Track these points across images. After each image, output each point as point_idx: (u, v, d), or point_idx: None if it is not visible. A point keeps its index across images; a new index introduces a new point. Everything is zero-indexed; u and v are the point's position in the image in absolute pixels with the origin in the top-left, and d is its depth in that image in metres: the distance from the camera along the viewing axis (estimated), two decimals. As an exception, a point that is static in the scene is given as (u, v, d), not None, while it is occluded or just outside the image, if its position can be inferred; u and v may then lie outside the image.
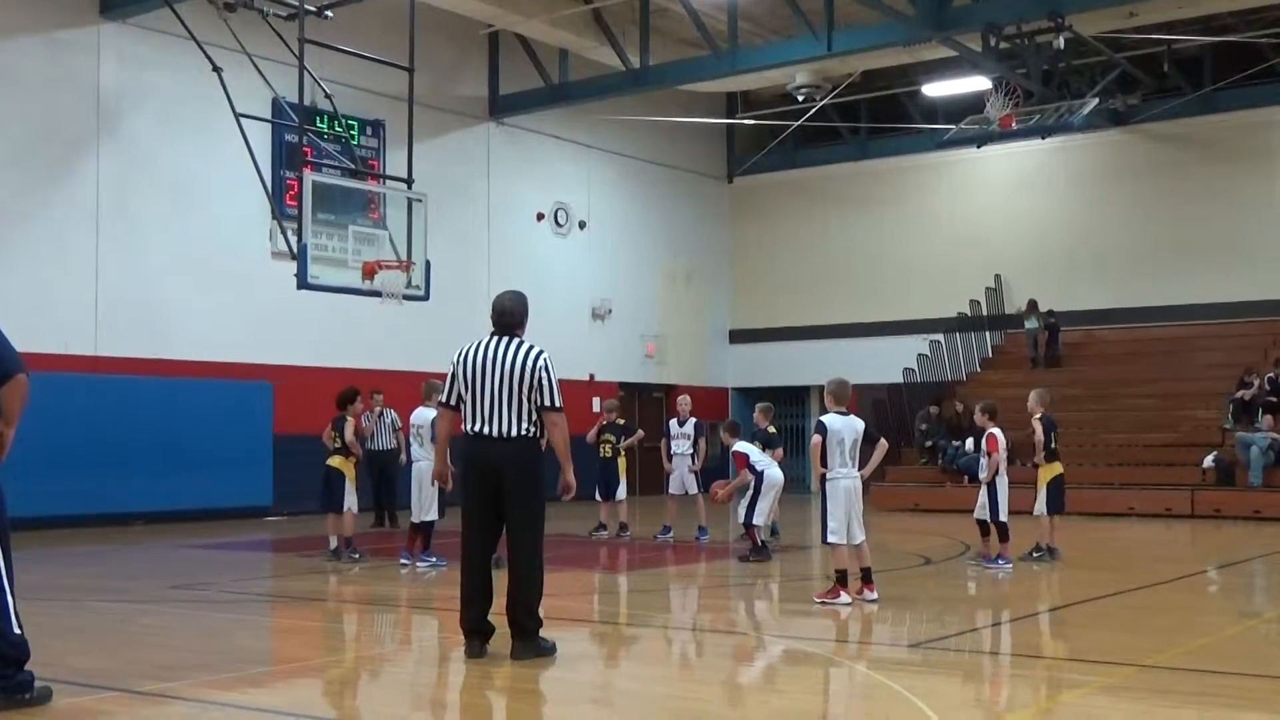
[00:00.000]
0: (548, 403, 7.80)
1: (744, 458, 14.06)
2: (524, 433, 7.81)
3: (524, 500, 7.85)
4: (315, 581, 12.79)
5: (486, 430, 7.81)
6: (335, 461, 13.92)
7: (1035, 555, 13.48)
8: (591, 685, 7.35)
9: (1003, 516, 13.05)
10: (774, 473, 14.11)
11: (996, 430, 13.18)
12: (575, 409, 24.10)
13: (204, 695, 6.95)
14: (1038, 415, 13.51)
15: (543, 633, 7.88)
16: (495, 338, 7.99)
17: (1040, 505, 13.52)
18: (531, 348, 7.90)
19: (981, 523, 13.29)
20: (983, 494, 13.19)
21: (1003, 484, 13.12)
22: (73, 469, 18.00)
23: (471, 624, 7.88)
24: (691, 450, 16.58)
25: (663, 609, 11.18)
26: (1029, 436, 13.63)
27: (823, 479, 10.50)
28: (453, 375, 7.98)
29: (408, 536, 13.66)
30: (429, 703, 7.36)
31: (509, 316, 8.09)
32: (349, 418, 13.94)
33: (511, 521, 7.88)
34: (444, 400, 8.14)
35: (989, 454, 13.14)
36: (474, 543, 7.95)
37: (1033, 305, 26.66)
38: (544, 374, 7.81)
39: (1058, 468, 13.63)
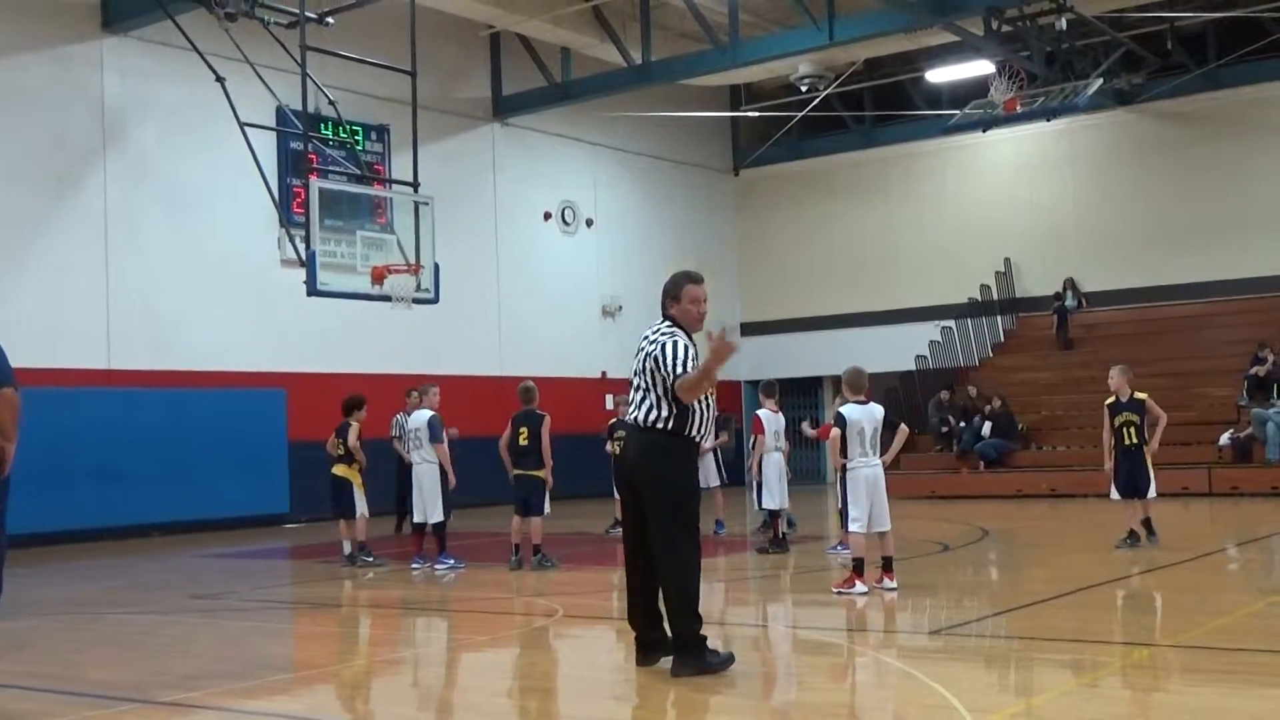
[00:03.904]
0: (668, 373, 7.03)
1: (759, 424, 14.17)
2: (650, 422, 7.15)
3: (651, 501, 7.15)
4: (333, 588, 12.81)
5: (627, 418, 7.35)
6: (339, 470, 13.96)
7: (1130, 540, 13.05)
8: (612, 681, 7.34)
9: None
10: (773, 455, 14.13)
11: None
12: (588, 406, 24.28)
13: (226, 704, 6.96)
14: (1142, 395, 13.08)
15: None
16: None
17: (1154, 486, 13.09)
18: (657, 327, 7.28)
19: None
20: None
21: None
22: (88, 482, 18.06)
23: (637, 632, 7.38)
24: (713, 442, 16.51)
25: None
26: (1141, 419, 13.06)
27: (843, 469, 10.47)
28: None
29: (414, 540, 13.69)
30: (446, 705, 7.36)
31: (663, 296, 7.41)
32: (353, 424, 13.94)
33: (648, 526, 7.20)
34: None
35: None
36: (627, 547, 7.40)
37: (1069, 284, 26.78)
38: (656, 348, 7.12)
39: None
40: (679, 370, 7.01)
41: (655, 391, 7.13)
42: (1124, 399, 13.18)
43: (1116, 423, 13.16)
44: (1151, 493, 13.07)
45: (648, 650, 7.31)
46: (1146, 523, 13.14)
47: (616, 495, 16.72)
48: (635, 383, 7.28)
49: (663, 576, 7.16)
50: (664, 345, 7.12)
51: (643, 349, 7.26)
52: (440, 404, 13.89)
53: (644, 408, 7.19)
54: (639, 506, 7.23)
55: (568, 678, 7.36)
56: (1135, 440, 13.07)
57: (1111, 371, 13.44)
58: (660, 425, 7.13)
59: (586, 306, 26.83)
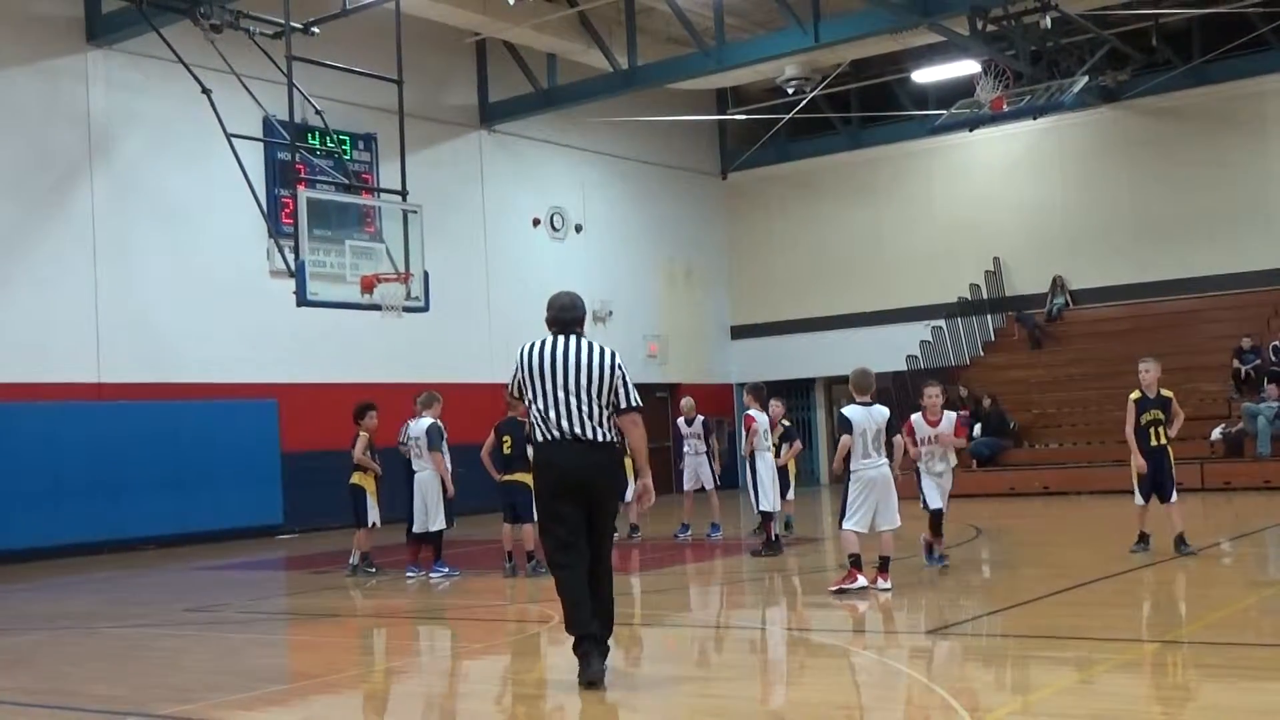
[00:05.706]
0: (626, 403, 7.35)
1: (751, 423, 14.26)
2: (609, 439, 7.35)
3: (610, 513, 7.54)
4: (328, 598, 12.79)
5: (570, 435, 7.24)
6: (355, 478, 13.85)
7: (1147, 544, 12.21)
8: (612, 685, 7.33)
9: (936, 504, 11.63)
10: (767, 456, 14.17)
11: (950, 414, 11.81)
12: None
13: (223, 716, 6.94)
14: (1169, 392, 12.10)
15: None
16: (560, 336, 7.47)
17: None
18: (603, 347, 7.45)
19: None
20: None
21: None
22: (82, 497, 18.01)
23: (586, 635, 7.17)
24: (705, 448, 16.57)
25: (679, 607, 11.16)
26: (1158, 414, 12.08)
27: (847, 470, 10.43)
28: (519, 369, 7.46)
29: (410, 549, 13.64)
30: (442, 714, 7.34)
31: (571, 312, 7.56)
32: (360, 434, 13.85)
33: (597, 535, 7.37)
34: (513, 392, 7.59)
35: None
36: (574, 559, 7.26)
37: (1058, 282, 26.87)
38: (620, 373, 7.37)
39: None
40: (637, 403, 7.42)
41: (605, 408, 7.35)
42: (1151, 395, 12.08)
43: (1144, 420, 12.03)
44: (1174, 495, 12.16)
45: (599, 656, 7.18)
46: (1180, 536, 12.12)
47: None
48: (586, 398, 7.30)
49: (606, 581, 7.40)
50: (623, 369, 7.42)
51: (594, 364, 7.33)
52: (440, 412, 13.78)
53: (603, 423, 7.34)
54: (585, 517, 7.32)
55: (562, 684, 7.35)
56: (1163, 440, 12.04)
57: (1147, 364, 12.15)
58: (616, 441, 7.42)
59: (577, 312, 26.79)
